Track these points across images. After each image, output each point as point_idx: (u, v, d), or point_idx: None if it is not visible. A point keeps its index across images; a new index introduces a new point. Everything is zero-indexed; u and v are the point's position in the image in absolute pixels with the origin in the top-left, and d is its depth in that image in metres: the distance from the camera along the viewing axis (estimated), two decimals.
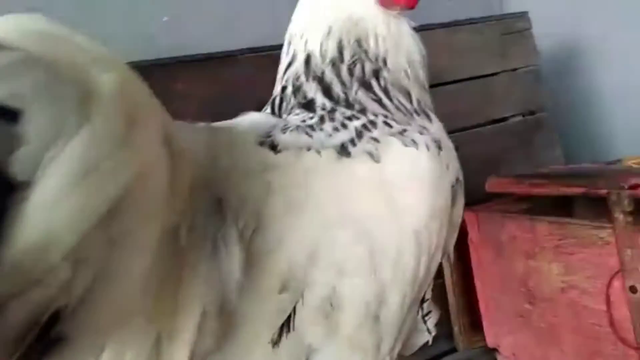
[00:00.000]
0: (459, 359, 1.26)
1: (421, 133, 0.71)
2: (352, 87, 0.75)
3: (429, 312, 0.79)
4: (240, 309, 0.55)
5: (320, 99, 0.73)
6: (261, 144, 0.64)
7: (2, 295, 0.32)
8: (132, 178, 0.39)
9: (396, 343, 0.66)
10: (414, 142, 0.68)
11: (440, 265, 1.22)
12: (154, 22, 1.33)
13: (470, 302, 1.21)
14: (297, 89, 0.76)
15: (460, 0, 1.77)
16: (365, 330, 0.61)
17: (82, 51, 0.41)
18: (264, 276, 0.56)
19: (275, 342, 0.57)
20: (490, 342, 1.17)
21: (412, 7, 0.81)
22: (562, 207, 1.04)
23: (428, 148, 0.68)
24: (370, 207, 0.62)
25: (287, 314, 0.57)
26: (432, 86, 1.33)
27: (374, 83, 0.77)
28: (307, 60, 0.77)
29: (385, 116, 0.72)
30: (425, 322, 0.79)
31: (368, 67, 0.78)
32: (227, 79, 1.17)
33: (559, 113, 1.56)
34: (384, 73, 0.79)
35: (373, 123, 0.70)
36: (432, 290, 1.00)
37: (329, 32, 0.77)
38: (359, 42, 0.79)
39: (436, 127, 0.77)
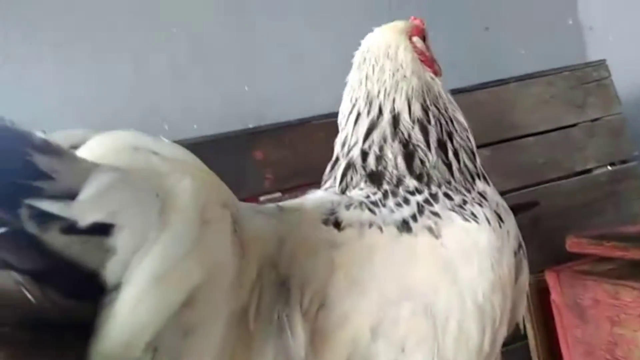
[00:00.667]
0: None
1: (481, 205, 0.72)
2: (431, 149, 0.77)
3: None
4: None
5: (399, 165, 0.76)
6: (325, 222, 0.67)
7: None
8: (204, 275, 0.45)
9: None
10: (474, 216, 0.69)
11: (525, 326, 1.19)
12: (236, 90, 1.44)
13: None
14: (380, 153, 0.78)
15: (535, 52, 1.76)
16: None
17: (162, 160, 0.48)
18: (329, 352, 0.58)
19: None
20: None
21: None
22: None
23: (489, 222, 0.70)
24: (431, 283, 0.64)
25: None
26: (506, 140, 1.34)
27: (448, 145, 0.79)
28: (395, 120, 0.79)
29: (448, 186, 0.74)
30: None
31: (445, 128, 0.80)
32: (302, 145, 1.23)
33: None
34: (456, 135, 0.81)
35: (434, 196, 0.72)
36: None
37: (412, 93, 0.80)
38: (436, 104, 0.81)
39: (492, 191, 0.78)
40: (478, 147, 1.29)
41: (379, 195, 0.72)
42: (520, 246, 0.74)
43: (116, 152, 0.45)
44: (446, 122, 0.80)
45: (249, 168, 1.16)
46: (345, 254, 0.64)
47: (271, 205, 0.69)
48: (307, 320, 0.58)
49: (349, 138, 0.80)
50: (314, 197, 0.76)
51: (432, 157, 0.76)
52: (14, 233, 0.36)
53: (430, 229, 0.67)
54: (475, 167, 0.80)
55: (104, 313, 0.39)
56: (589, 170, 1.39)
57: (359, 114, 0.80)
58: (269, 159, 1.16)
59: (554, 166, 1.36)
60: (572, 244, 1.09)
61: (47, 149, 0.39)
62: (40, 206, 0.37)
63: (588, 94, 1.43)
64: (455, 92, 1.31)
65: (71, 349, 0.38)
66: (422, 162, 0.76)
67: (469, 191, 0.75)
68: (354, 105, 0.81)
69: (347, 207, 0.70)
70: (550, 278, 1.11)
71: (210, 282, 0.46)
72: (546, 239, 1.28)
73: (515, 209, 1.29)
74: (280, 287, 0.58)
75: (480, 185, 0.77)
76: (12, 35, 1.28)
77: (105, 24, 1.33)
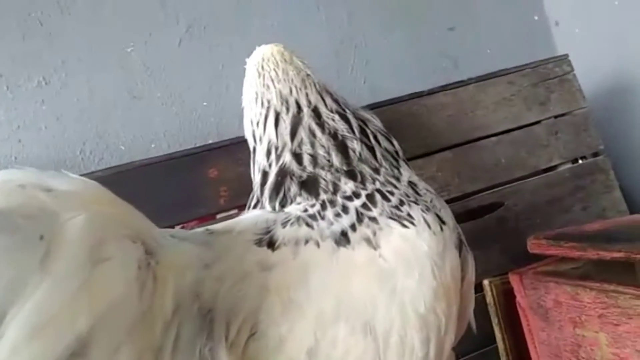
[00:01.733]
0: None
1: (417, 202, 0.71)
2: (356, 136, 0.76)
3: None
4: None
5: (334, 160, 0.74)
6: (259, 242, 0.66)
7: None
8: (94, 319, 0.43)
9: None
10: (412, 220, 0.68)
11: (492, 330, 1.18)
12: (194, 107, 1.42)
13: None
14: (313, 150, 0.77)
15: (502, 49, 1.75)
16: None
17: (54, 197, 0.46)
18: None
19: None
20: None
21: None
22: (619, 268, 0.97)
23: (428, 225, 0.68)
24: (370, 297, 0.63)
25: None
26: (467, 142, 1.32)
27: (367, 130, 0.79)
28: (316, 113, 0.79)
29: (379, 179, 0.73)
30: None
31: (357, 116, 0.81)
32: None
33: (615, 154, 1.47)
34: (368, 122, 0.82)
35: (371, 198, 0.71)
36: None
37: (320, 87, 0.81)
38: (340, 97, 0.82)
39: (418, 178, 0.78)
40: (441, 150, 1.30)
41: (317, 207, 0.71)
42: (461, 241, 0.73)
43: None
44: (355, 110, 0.81)
45: (204, 186, 1.14)
46: (279, 276, 0.62)
47: (199, 230, 0.68)
48: (235, 352, 0.56)
49: (273, 143, 0.79)
50: (249, 217, 0.74)
51: (358, 145, 0.76)
52: None
53: (368, 240, 0.66)
54: (394, 146, 0.80)
55: None
56: (553, 167, 1.38)
57: (277, 115, 0.80)
58: (224, 176, 1.15)
59: (517, 165, 1.35)
60: (533, 245, 1.07)
61: None
62: None
63: (551, 90, 1.42)
64: (415, 95, 1.31)
65: None
66: (353, 151, 0.76)
67: (398, 180, 0.74)
68: (268, 108, 0.80)
69: (284, 224, 0.69)
70: (513, 280, 1.10)
71: (105, 328, 0.44)
72: (513, 240, 1.27)
73: (480, 211, 1.30)
74: (203, 319, 0.56)
75: (405, 171, 0.77)
76: None
77: (57, 45, 1.31)
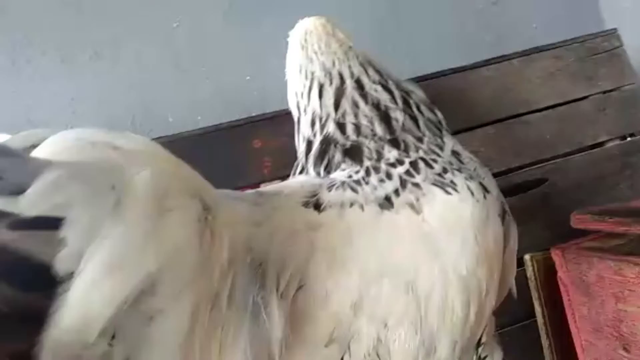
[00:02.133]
0: None
1: (460, 171, 0.72)
2: (399, 107, 0.78)
3: (486, 356, 0.78)
4: None
5: (377, 130, 0.76)
6: (306, 204, 0.68)
7: None
8: (161, 263, 0.46)
9: None
10: (455, 187, 0.69)
11: (532, 304, 1.18)
12: (238, 81, 1.45)
13: (565, 345, 1.14)
14: (356, 120, 0.78)
15: (548, 24, 1.71)
16: None
17: (122, 154, 0.49)
18: (310, 331, 0.60)
19: None
20: None
21: None
22: None
23: (472, 192, 0.69)
24: (413, 259, 0.65)
25: None
26: (512, 117, 1.31)
27: (410, 101, 0.80)
28: (359, 84, 0.80)
29: (423, 148, 0.74)
30: None
31: (400, 87, 0.81)
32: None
33: None
34: (411, 93, 0.82)
35: (415, 165, 0.72)
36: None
37: (363, 59, 0.82)
38: (382, 69, 0.83)
39: (462, 148, 0.79)
40: (484, 125, 1.29)
41: (362, 173, 0.73)
42: (504, 210, 0.73)
43: (72, 148, 0.47)
44: (397, 82, 0.81)
45: (249, 156, 1.17)
46: (325, 235, 0.64)
47: (250, 191, 0.71)
48: (284, 302, 0.59)
49: (317, 113, 0.80)
50: (296, 181, 0.77)
51: (401, 115, 0.77)
52: None
53: (412, 205, 0.68)
54: (437, 117, 0.81)
55: (56, 303, 0.41)
56: (600, 144, 1.35)
57: (321, 86, 0.81)
58: (268, 147, 1.18)
59: (563, 141, 1.33)
60: (576, 220, 1.06)
61: None
62: None
63: (599, 65, 1.38)
64: (458, 70, 1.31)
65: (24, 338, 0.40)
66: (396, 121, 0.77)
67: (441, 148, 0.75)
68: (312, 80, 0.82)
69: (329, 188, 0.71)
70: (555, 255, 1.10)
71: (171, 270, 0.48)
72: (556, 216, 1.26)
73: (524, 187, 1.29)
74: (256, 271, 0.59)
75: (448, 140, 0.78)
76: (15, 36, 1.33)
77: (107, 20, 1.36)
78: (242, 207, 0.64)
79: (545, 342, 1.17)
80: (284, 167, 1.14)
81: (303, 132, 0.84)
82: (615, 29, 1.40)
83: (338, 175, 0.74)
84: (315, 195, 0.69)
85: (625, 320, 0.95)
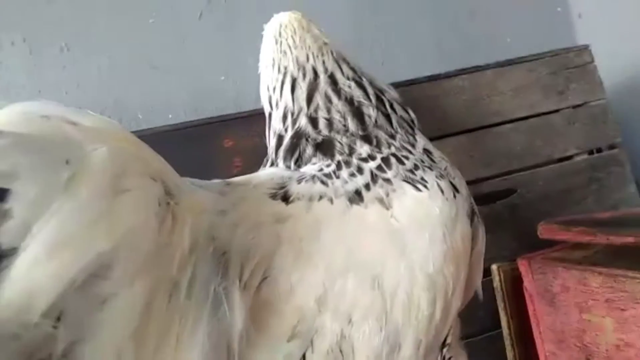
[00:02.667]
0: None
1: (431, 168, 0.72)
2: (372, 103, 0.77)
3: (450, 357, 0.77)
4: (249, 357, 0.56)
5: (349, 125, 0.76)
6: (273, 196, 0.67)
7: None
8: (112, 244, 0.44)
9: None
10: (425, 184, 0.69)
11: (498, 315, 1.18)
12: (213, 80, 1.43)
13: (530, 356, 1.14)
14: (329, 115, 0.77)
15: (522, 39, 1.74)
16: None
17: (79, 129, 0.47)
18: (273, 325, 0.58)
19: None
20: None
21: None
22: (629, 256, 0.96)
23: (442, 190, 0.69)
24: (380, 254, 0.64)
25: None
26: (483, 127, 1.32)
27: (383, 98, 0.80)
28: (333, 80, 0.80)
29: (395, 144, 0.73)
30: None
31: (374, 85, 0.81)
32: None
33: (632, 148, 1.46)
34: (384, 91, 0.82)
35: (386, 161, 0.71)
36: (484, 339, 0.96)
37: (337, 55, 0.81)
38: (356, 66, 0.83)
39: (433, 147, 0.78)
40: (455, 134, 1.30)
41: (333, 167, 0.72)
42: (473, 211, 0.73)
43: (21, 120, 0.45)
44: (372, 79, 0.81)
45: (219, 155, 1.15)
46: (292, 227, 0.63)
47: (217, 180, 0.69)
48: (247, 293, 0.57)
49: (290, 108, 0.80)
50: (265, 173, 0.76)
51: (374, 112, 0.76)
52: None
53: (381, 201, 0.67)
54: (410, 115, 0.81)
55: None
56: (569, 157, 1.37)
57: (294, 81, 0.81)
58: (239, 146, 1.16)
59: (532, 153, 1.34)
60: (543, 230, 1.07)
61: None
62: None
63: (570, 80, 1.41)
64: (432, 78, 1.31)
65: None
66: (369, 117, 0.76)
67: (413, 146, 0.74)
68: (284, 74, 0.81)
69: (299, 181, 0.70)
70: (521, 265, 1.10)
71: (125, 253, 0.46)
72: (523, 227, 1.27)
73: (492, 197, 1.30)
74: (219, 260, 0.57)
75: (420, 138, 0.78)
76: None
77: (80, 12, 1.33)
78: (207, 195, 0.62)
79: (510, 352, 1.17)
80: (254, 167, 1.12)
81: (274, 126, 0.83)
82: (587, 45, 1.43)
83: (308, 168, 0.74)
84: (283, 187, 0.68)
85: (588, 331, 0.95)
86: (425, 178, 0.70)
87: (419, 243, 0.65)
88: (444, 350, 0.74)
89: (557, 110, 1.38)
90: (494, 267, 1.19)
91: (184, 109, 1.36)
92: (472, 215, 0.75)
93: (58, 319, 0.42)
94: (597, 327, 0.93)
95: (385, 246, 0.64)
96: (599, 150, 1.40)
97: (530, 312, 1.11)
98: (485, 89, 1.35)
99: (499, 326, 1.20)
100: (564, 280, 0.99)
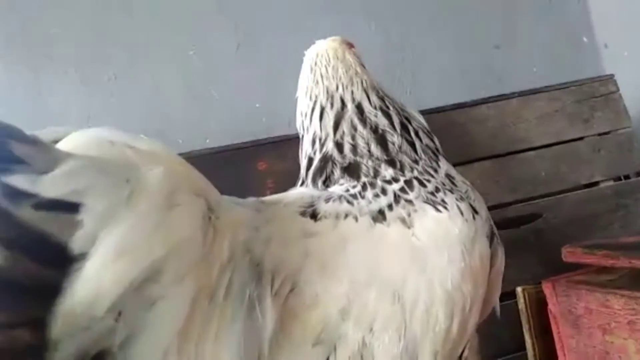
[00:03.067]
0: None
1: (452, 191, 0.76)
2: (397, 131, 0.82)
3: None
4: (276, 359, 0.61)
5: (373, 151, 0.81)
6: (303, 213, 0.73)
7: (58, 334, 0.44)
8: (166, 252, 0.51)
9: None
10: (445, 206, 0.73)
11: (522, 337, 1.20)
12: (247, 107, 1.52)
13: None
14: (354, 142, 0.83)
15: (548, 69, 1.77)
16: None
17: (137, 153, 0.54)
18: (299, 331, 0.63)
19: None
20: None
21: None
22: None
23: (462, 212, 0.73)
24: (401, 270, 0.68)
25: None
26: (509, 153, 1.36)
27: (409, 127, 0.85)
28: (359, 109, 0.85)
29: (418, 168, 0.78)
30: None
31: (402, 114, 0.86)
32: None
33: None
34: (411, 119, 0.87)
35: (409, 183, 0.76)
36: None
37: (367, 85, 0.87)
38: (386, 96, 0.88)
39: (456, 172, 0.84)
40: (481, 159, 1.34)
41: (358, 187, 0.78)
42: (493, 233, 0.77)
43: (92, 144, 0.52)
44: (400, 109, 0.86)
45: (253, 177, 1.22)
46: (319, 243, 0.69)
47: (252, 198, 0.75)
48: (277, 301, 0.63)
49: (318, 134, 0.85)
50: (296, 192, 0.82)
51: (398, 139, 0.81)
52: None
53: (403, 220, 0.72)
54: (435, 144, 0.85)
55: (70, 278, 0.45)
56: (595, 184, 1.39)
57: (322, 109, 0.86)
58: (272, 169, 1.23)
59: (558, 179, 1.37)
60: (567, 253, 1.10)
61: (24, 139, 0.46)
62: (11, 182, 0.43)
63: (595, 109, 1.44)
64: (458, 106, 1.36)
65: (41, 307, 0.44)
66: (392, 144, 0.81)
67: (436, 171, 0.79)
68: (315, 102, 0.87)
69: (327, 200, 0.75)
70: (546, 288, 1.12)
71: (175, 260, 0.52)
72: (548, 252, 1.28)
73: (518, 221, 1.32)
74: (253, 269, 0.63)
75: (443, 164, 0.82)
76: (36, 50, 1.41)
77: (126, 46, 1.44)
78: (243, 212, 0.68)
79: None
80: (286, 187, 1.19)
81: (305, 149, 0.89)
82: (612, 75, 1.46)
83: (336, 189, 0.79)
84: (312, 206, 0.73)
85: (611, 352, 0.97)
86: (446, 200, 0.75)
87: (438, 261, 0.69)
88: None
89: (582, 138, 1.41)
90: (519, 289, 1.21)
91: (220, 135, 1.43)
92: (491, 237, 0.78)
93: (119, 314, 0.48)
94: (619, 349, 0.95)
95: (406, 263, 0.69)
96: (626, 177, 1.41)
97: (555, 334, 1.12)
98: (510, 117, 1.39)
99: (522, 348, 1.22)
100: (587, 303, 1.01)
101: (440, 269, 0.68)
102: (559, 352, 1.11)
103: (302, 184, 0.87)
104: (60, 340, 0.44)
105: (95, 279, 0.46)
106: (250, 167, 1.23)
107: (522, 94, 1.42)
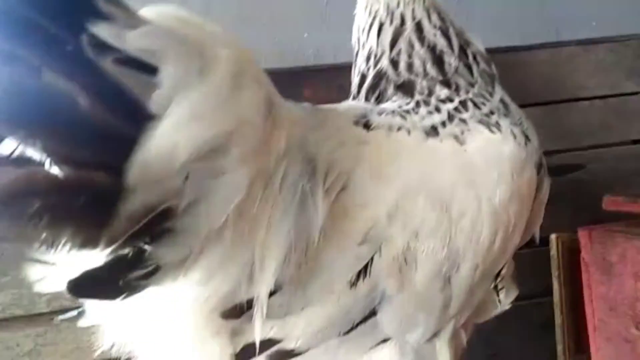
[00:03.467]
0: None
1: (507, 116, 0.76)
2: (455, 53, 0.82)
3: (502, 287, 0.82)
4: (324, 253, 0.64)
5: (429, 70, 0.81)
6: (356, 123, 0.74)
7: (133, 183, 0.48)
8: (232, 126, 0.54)
9: (463, 309, 0.72)
10: (499, 128, 0.74)
11: (551, 284, 1.21)
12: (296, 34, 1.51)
13: (577, 323, 1.17)
14: (410, 60, 0.83)
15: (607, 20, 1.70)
16: (435, 289, 0.68)
17: (209, 34, 0.57)
18: (347, 229, 0.66)
19: (353, 284, 0.66)
20: None
21: None
22: None
23: (514, 135, 0.73)
24: (450, 182, 0.70)
25: (365, 262, 0.66)
26: (564, 101, 1.33)
27: (468, 50, 0.84)
28: (419, 27, 0.84)
29: (474, 91, 0.79)
30: (497, 293, 0.82)
31: (461, 36, 0.85)
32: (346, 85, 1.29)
33: None
34: (471, 43, 0.86)
35: (464, 104, 0.77)
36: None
37: (428, 3, 0.85)
38: (447, 17, 0.87)
39: (510, 100, 0.84)
40: (531, 105, 1.32)
41: (412, 104, 0.79)
42: (541, 163, 0.77)
43: (171, 17, 0.55)
44: (460, 31, 0.85)
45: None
46: (371, 150, 0.71)
47: (308, 104, 0.77)
48: (328, 197, 0.65)
49: (374, 50, 0.85)
50: (349, 104, 0.83)
51: (455, 61, 0.81)
52: (76, 54, 0.45)
53: (456, 137, 0.73)
54: (491, 70, 0.84)
55: (146, 134, 0.48)
56: None
57: (381, 25, 0.86)
58: (317, 96, 1.23)
59: (606, 132, 1.34)
60: (609, 202, 1.09)
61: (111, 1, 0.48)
62: (98, 33, 0.45)
63: None
64: (513, 49, 1.33)
65: (119, 155, 0.48)
66: (449, 65, 0.81)
67: (491, 95, 0.79)
68: (374, 18, 0.86)
69: (380, 113, 0.76)
70: (582, 236, 1.12)
71: (240, 138, 0.55)
72: (586, 203, 1.27)
73: (560, 170, 1.31)
74: (307, 165, 0.65)
75: (499, 90, 0.81)
76: None
77: None
78: (301, 111, 0.70)
79: (558, 318, 1.20)
80: None
81: (359, 65, 0.89)
82: None
83: (389, 105, 0.80)
84: (365, 117, 0.75)
85: None
86: (500, 123, 0.75)
87: (488, 179, 0.70)
88: (497, 279, 0.79)
89: (637, 93, 1.37)
90: (552, 236, 1.21)
91: (269, 60, 1.44)
92: (539, 167, 0.78)
93: (186, 178, 0.51)
94: None
95: (456, 176, 0.70)
96: None
97: (585, 282, 1.13)
98: (565, 65, 1.36)
99: (546, 294, 1.23)
100: (623, 250, 1.02)
101: (489, 187, 0.69)
102: (586, 300, 1.12)
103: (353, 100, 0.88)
104: (133, 189, 0.48)
105: (171, 137, 0.49)
106: (296, 92, 1.23)
107: (579, 42, 1.38)
